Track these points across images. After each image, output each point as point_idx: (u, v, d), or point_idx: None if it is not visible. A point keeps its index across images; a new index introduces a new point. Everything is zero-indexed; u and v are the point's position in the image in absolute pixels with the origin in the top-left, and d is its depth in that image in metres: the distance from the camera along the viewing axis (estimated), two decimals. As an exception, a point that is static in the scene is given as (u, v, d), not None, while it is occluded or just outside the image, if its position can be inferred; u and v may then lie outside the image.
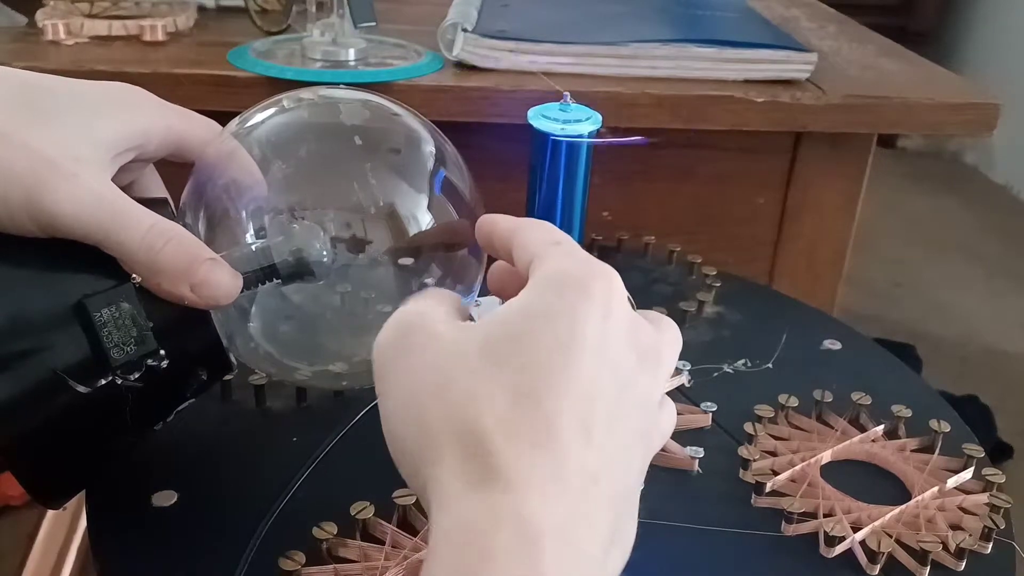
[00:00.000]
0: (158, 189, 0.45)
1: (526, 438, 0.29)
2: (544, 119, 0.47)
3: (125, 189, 0.38)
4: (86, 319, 0.36)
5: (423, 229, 0.41)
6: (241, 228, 0.41)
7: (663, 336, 0.36)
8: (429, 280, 0.42)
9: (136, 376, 0.37)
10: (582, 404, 0.30)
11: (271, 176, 0.41)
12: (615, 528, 0.31)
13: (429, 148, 0.43)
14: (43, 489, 0.39)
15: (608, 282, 0.33)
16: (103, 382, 0.36)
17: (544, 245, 0.35)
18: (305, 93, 0.44)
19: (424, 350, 0.32)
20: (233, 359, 0.42)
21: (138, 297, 0.37)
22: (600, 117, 0.47)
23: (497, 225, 0.38)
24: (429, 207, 0.42)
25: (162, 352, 0.37)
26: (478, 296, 0.51)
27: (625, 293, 0.34)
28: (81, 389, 0.36)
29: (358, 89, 0.45)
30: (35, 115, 0.37)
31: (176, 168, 0.43)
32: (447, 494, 0.29)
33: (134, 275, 0.37)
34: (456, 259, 0.43)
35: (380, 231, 0.41)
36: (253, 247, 0.39)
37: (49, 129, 0.37)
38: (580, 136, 0.47)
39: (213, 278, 0.37)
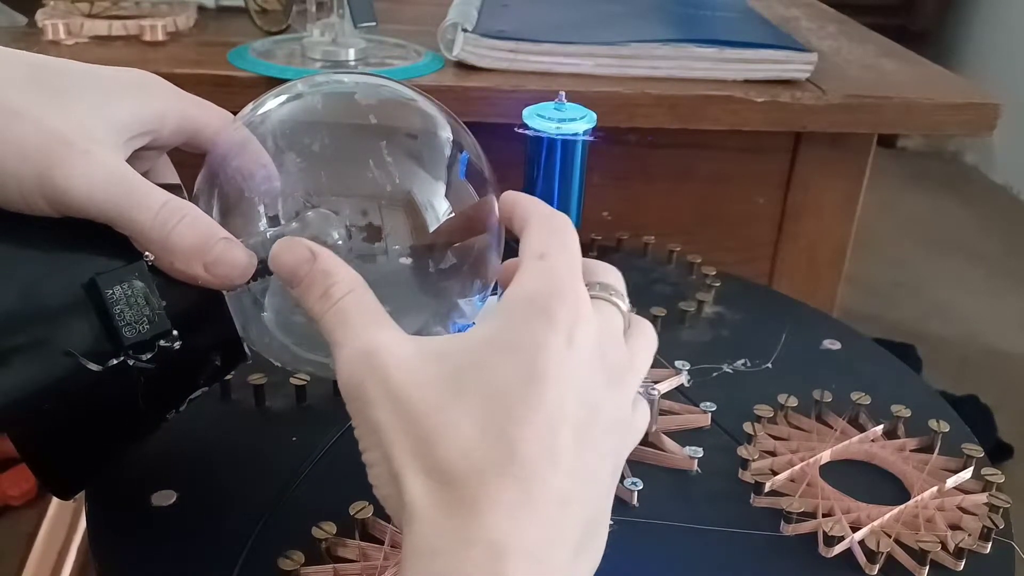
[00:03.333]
0: (172, 179, 0.44)
1: (491, 467, 0.29)
2: (539, 119, 0.47)
3: None
4: (98, 297, 0.35)
5: (441, 217, 0.41)
6: (254, 216, 0.41)
7: (635, 343, 0.36)
8: (446, 269, 0.42)
9: (148, 357, 0.37)
10: (547, 432, 0.30)
11: (285, 164, 0.40)
12: (584, 542, 0.32)
13: (447, 135, 0.42)
14: (55, 477, 0.38)
15: (574, 307, 0.32)
16: (114, 362, 0.36)
17: (529, 257, 0.34)
18: (321, 78, 0.44)
19: (386, 385, 0.31)
20: (247, 348, 0.42)
21: (151, 276, 0.37)
22: (595, 116, 0.48)
23: (516, 209, 0.38)
24: (447, 195, 0.41)
25: (175, 333, 0.37)
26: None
27: (591, 320, 0.33)
28: (92, 367, 0.35)
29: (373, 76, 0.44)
30: (49, 94, 0.37)
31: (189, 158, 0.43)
32: (418, 518, 0.30)
33: (147, 253, 0.37)
34: (475, 248, 0.43)
35: (397, 219, 0.40)
36: (268, 235, 0.39)
37: (63, 108, 0.37)
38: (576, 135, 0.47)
39: (227, 257, 0.37)
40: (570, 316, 0.32)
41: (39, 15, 0.81)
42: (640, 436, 0.36)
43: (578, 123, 0.47)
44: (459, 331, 0.50)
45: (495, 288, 0.49)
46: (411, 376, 0.31)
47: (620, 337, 0.35)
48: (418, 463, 0.30)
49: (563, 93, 0.48)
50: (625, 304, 0.36)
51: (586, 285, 0.34)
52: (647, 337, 0.37)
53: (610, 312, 0.35)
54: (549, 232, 0.35)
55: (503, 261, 0.45)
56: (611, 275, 0.37)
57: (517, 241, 0.50)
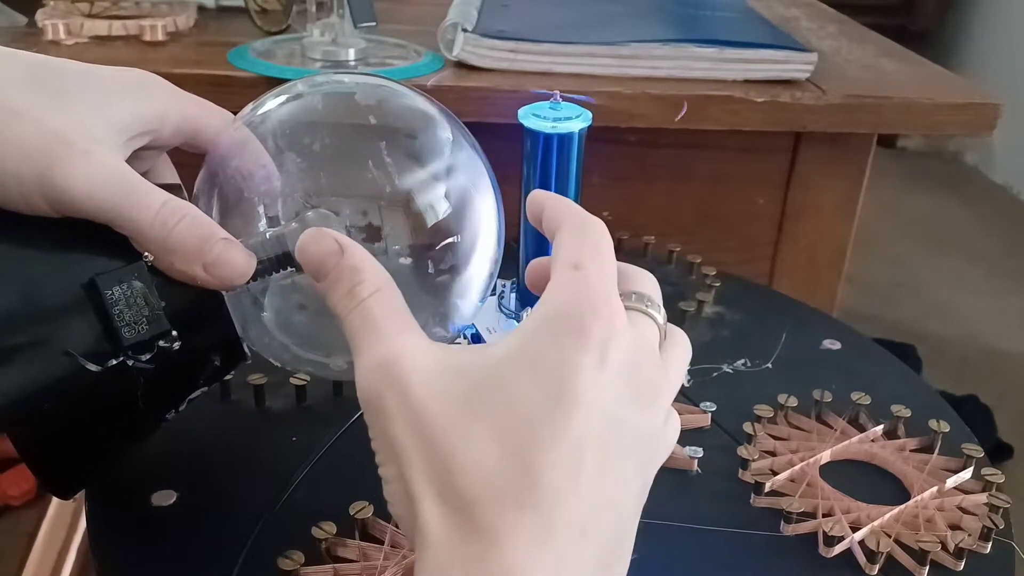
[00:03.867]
0: (172, 178, 0.44)
1: (511, 496, 0.28)
2: (535, 118, 0.47)
3: None
4: (97, 297, 0.35)
5: (441, 217, 0.41)
6: (254, 217, 0.41)
7: (669, 355, 0.34)
8: (446, 269, 0.42)
9: (147, 357, 0.37)
10: (571, 458, 0.29)
11: (285, 164, 0.40)
12: (599, 571, 0.30)
13: (447, 135, 0.42)
14: (54, 477, 0.38)
15: (608, 322, 0.31)
16: (114, 362, 0.36)
17: (562, 266, 0.32)
18: (321, 78, 0.44)
19: (405, 398, 0.30)
20: (247, 349, 0.42)
21: (151, 276, 0.37)
22: (591, 115, 0.48)
23: (546, 210, 0.36)
24: (447, 195, 0.41)
25: (174, 333, 0.37)
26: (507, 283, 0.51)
27: (625, 334, 0.31)
28: (91, 367, 0.35)
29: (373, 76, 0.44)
30: (49, 94, 0.37)
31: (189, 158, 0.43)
32: (432, 542, 0.29)
33: (146, 253, 0.37)
34: (475, 249, 0.43)
35: (397, 219, 0.40)
36: (267, 235, 0.39)
37: (63, 108, 0.37)
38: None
39: (227, 257, 0.37)
40: (604, 333, 0.30)
41: (39, 15, 0.81)
42: (671, 449, 0.35)
43: (573, 122, 0.47)
44: (460, 333, 0.50)
45: (495, 289, 0.49)
46: (431, 389, 0.30)
47: (655, 351, 0.33)
48: (434, 485, 0.29)
49: (558, 92, 0.48)
50: (661, 315, 0.35)
51: (621, 295, 0.33)
52: (681, 347, 0.36)
53: (645, 325, 0.34)
54: (583, 238, 0.33)
55: (503, 262, 0.45)
56: (647, 283, 0.35)
57: (517, 241, 0.51)
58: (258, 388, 0.53)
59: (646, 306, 0.34)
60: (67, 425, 0.37)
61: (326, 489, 0.47)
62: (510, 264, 0.48)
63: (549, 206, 0.36)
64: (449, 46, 0.77)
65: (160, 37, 0.80)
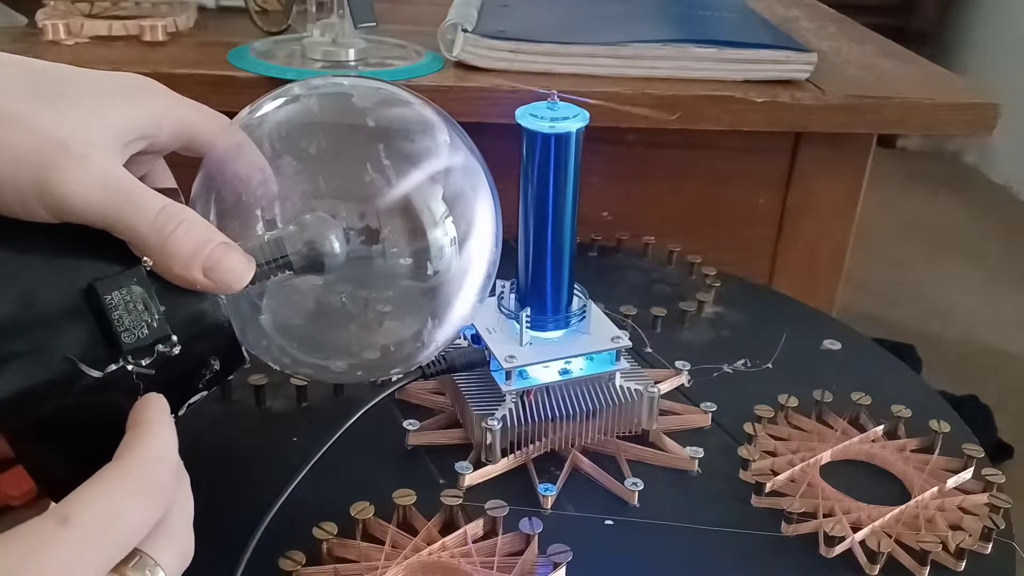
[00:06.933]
0: (169, 183, 0.44)
1: None
2: (532, 118, 0.47)
3: None
4: (96, 302, 0.35)
5: (439, 219, 0.41)
6: (252, 220, 0.40)
7: None
8: (444, 270, 0.42)
9: (147, 362, 0.37)
10: None
11: (282, 167, 0.40)
12: None
13: (444, 137, 0.42)
14: (54, 482, 0.38)
15: None
16: (113, 367, 0.36)
17: (50, 514, 0.26)
18: (318, 81, 0.44)
19: None
20: (246, 353, 0.42)
21: (150, 281, 0.37)
22: (588, 115, 0.48)
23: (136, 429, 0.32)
24: (444, 196, 0.41)
25: (174, 338, 0.37)
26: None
27: None
28: (92, 373, 0.35)
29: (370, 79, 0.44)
30: (46, 99, 0.37)
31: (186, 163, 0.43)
32: None
33: (145, 259, 0.37)
34: (473, 249, 0.42)
35: (394, 221, 0.40)
36: (265, 238, 0.39)
37: (60, 112, 0.36)
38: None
39: (226, 261, 0.37)
40: None
41: (39, 15, 0.81)
42: None
43: (571, 122, 0.47)
44: (464, 336, 0.50)
45: (494, 289, 0.49)
46: None
47: None
48: None
49: (555, 92, 0.48)
50: None
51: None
52: None
53: None
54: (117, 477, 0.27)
55: (502, 262, 0.45)
56: (160, 543, 0.31)
57: (516, 241, 0.51)
58: (258, 389, 0.53)
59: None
60: (67, 431, 0.37)
61: (326, 489, 0.47)
62: (509, 264, 0.48)
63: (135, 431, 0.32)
64: (449, 46, 0.77)
65: (160, 37, 0.80)
